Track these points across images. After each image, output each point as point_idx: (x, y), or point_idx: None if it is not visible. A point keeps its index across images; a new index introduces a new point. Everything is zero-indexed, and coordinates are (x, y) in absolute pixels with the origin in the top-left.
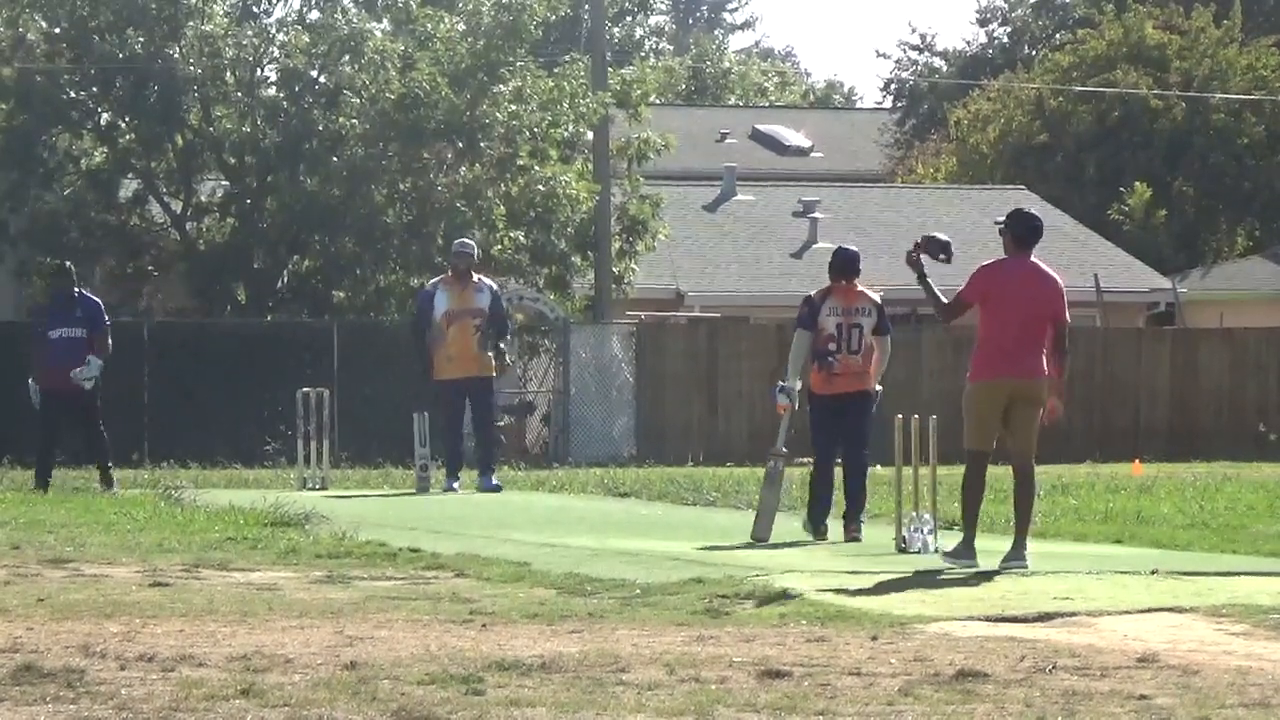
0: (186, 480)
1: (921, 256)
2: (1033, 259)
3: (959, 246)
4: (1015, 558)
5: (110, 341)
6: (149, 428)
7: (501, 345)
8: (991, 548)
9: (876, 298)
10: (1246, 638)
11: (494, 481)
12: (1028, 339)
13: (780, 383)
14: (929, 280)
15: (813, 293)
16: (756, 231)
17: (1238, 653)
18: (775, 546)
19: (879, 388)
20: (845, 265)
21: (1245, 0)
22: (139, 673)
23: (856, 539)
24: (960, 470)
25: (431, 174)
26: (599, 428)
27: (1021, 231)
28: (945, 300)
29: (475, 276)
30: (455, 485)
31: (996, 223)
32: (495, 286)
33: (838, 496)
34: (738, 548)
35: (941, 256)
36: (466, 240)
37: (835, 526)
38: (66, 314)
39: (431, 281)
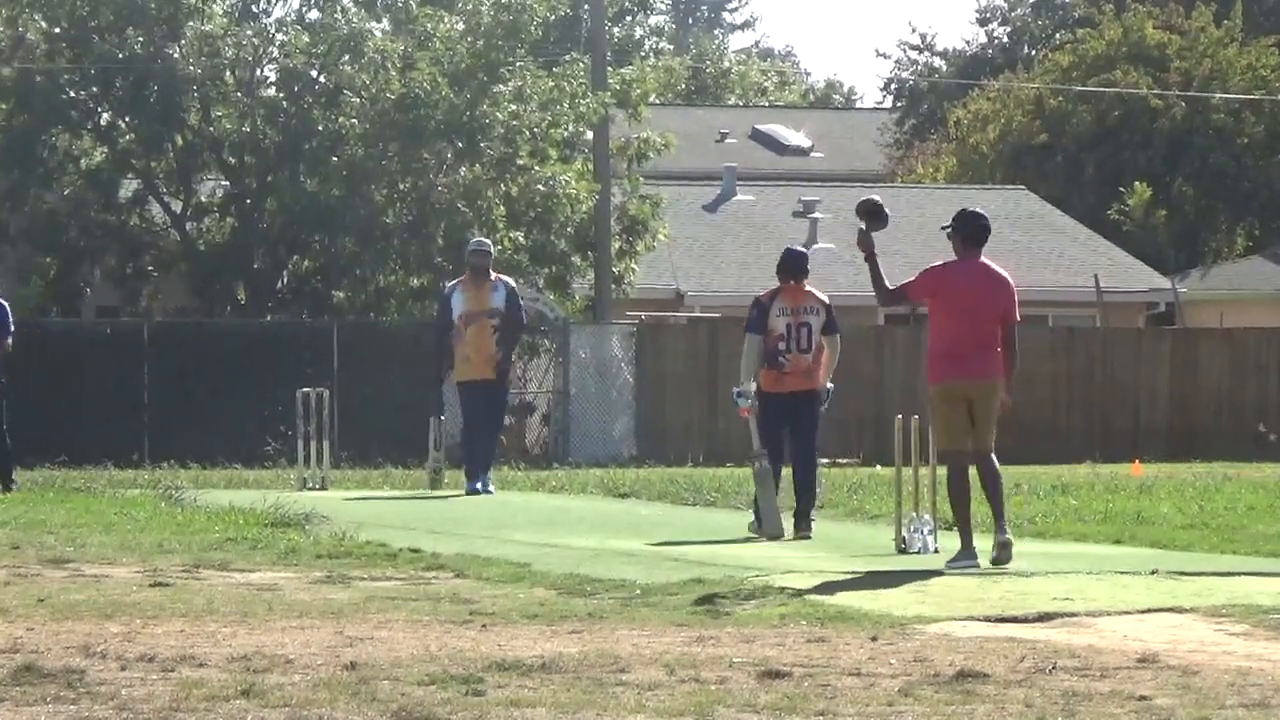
0: (186, 480)
1: (871, 235)
2: (983, 259)
3: None
4: (1001, 545)
5: (10, 343)
6: (149, 428)
7: (511, 349)
8: (991, 548)
9: (824, 297)
10: (1246, 638)
11: (489, 486)
12: (978, 340)
13: (736, 388)
14: (876, 260)
15: (761, 294)
16: (756, 231)
17: (1238, 653)
18: (750, 543)
19: (830, 385)
20: (794, 266)
21: (1245, 0)
22: (139, 673)
23: (807, 537)
24: None
25: (431, 174)
26: (599, 428)
27: (971, 231)
28: (889, 286)
29: (493, 276)
30: (478, 486)
31: (944, 228)
32: (513, 284)
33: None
34: (690, 543)
35: (870, 223)
36: (484, 240)
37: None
38: None
39: (450, 283)
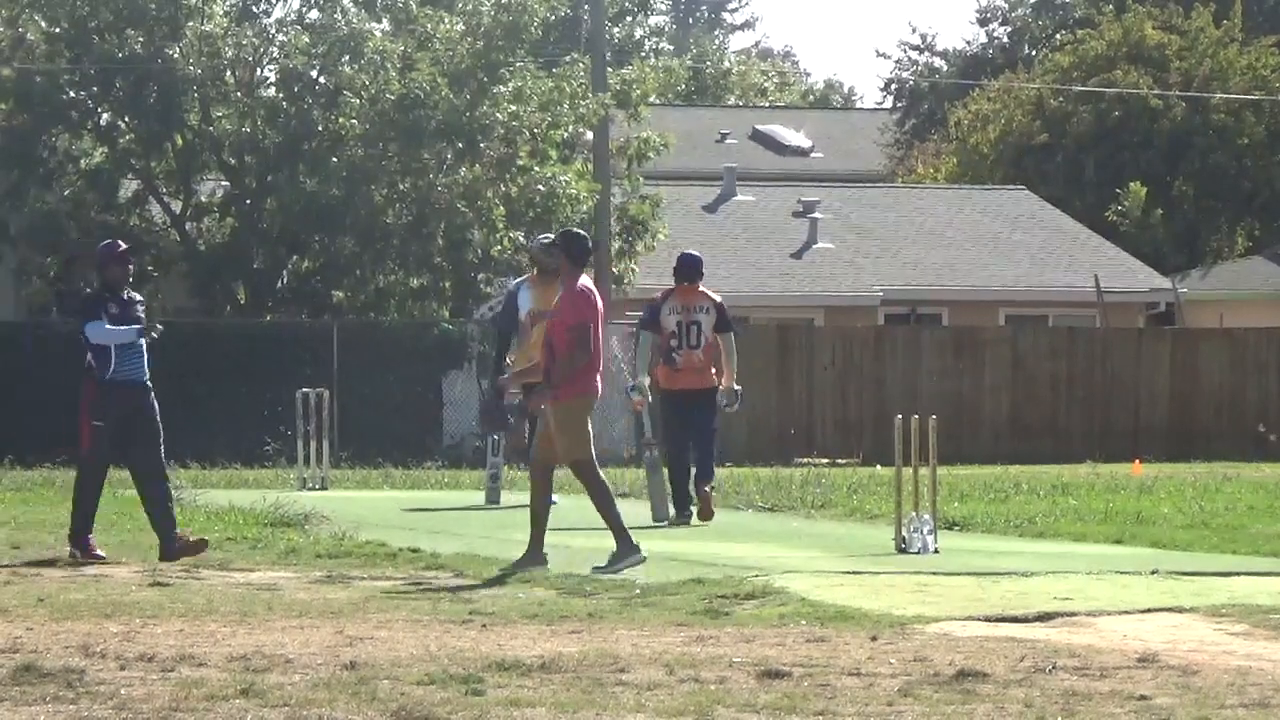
0: (186, 480)
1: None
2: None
3: (959, 246)
4: (626, 555)
5: None
6: None
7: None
8: (991, 547)
9: (716, 298)
10: (1246, 638)
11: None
12: None
13: (630, 383)
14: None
15: (656, 295)
16: (756, 231)
17: (1238, 653)
18: (764, 544)
19: (738, 388)
20: (687, 269)
21: (1245, 0)
22: (139, 673)
23: (708, 499)
24: (961, 471)
25: (431, 174)
26: (599, 428)
27: (581, 252)
28: (588, 348)
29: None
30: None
31: (544, 237)
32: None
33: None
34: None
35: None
36: (550, 237)
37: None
38: None
39: (516, 280)
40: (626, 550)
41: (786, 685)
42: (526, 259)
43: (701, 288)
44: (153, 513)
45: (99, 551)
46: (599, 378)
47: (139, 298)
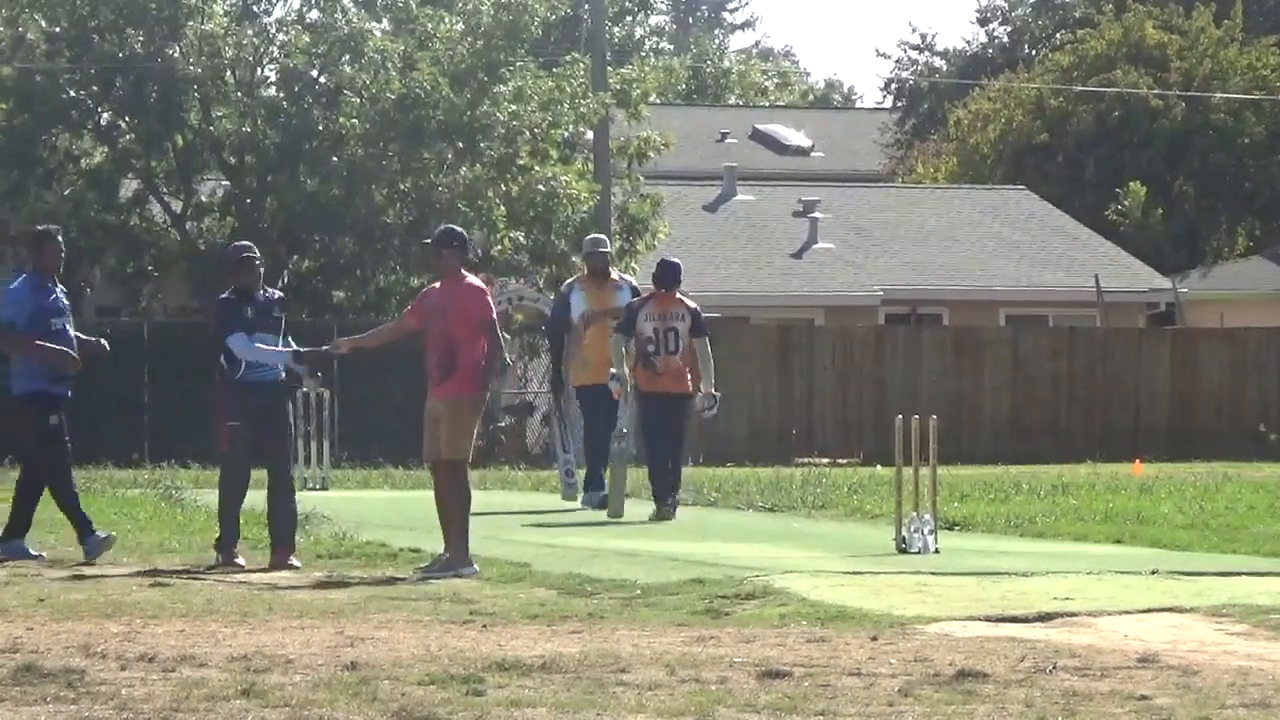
0: (186, 480)
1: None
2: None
3: (959, 246)
4: (456, 566)
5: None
6: (149, 428)
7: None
8: (991, 547)
9: (692, 304)
10: (1246, 638)
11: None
12: None
13: (611, 371)
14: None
15: (634, 300)
16: (756, 231)
17: (1238, 653)
18: (761, 544)
19: (717, 393)
20: (665, 276)
21: (1245, 0)
22: (139, 673)
23: (669, 516)
24: (961, 471)
25: (432, 174)
26: None
27: (469, 250)
28: (500, 343)
29: (614, 275)
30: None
31: (596, 237)
32: (636, 285)
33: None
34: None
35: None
36: (601, 237)
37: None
38: None
39: (567, 281)
40: (458, 563)
41: (787, 685)
42: (527, 258)
43: (678, 294)
44: (272, 517)
45: (239, 560)
46: (488, 377)
47: (278, 295)
